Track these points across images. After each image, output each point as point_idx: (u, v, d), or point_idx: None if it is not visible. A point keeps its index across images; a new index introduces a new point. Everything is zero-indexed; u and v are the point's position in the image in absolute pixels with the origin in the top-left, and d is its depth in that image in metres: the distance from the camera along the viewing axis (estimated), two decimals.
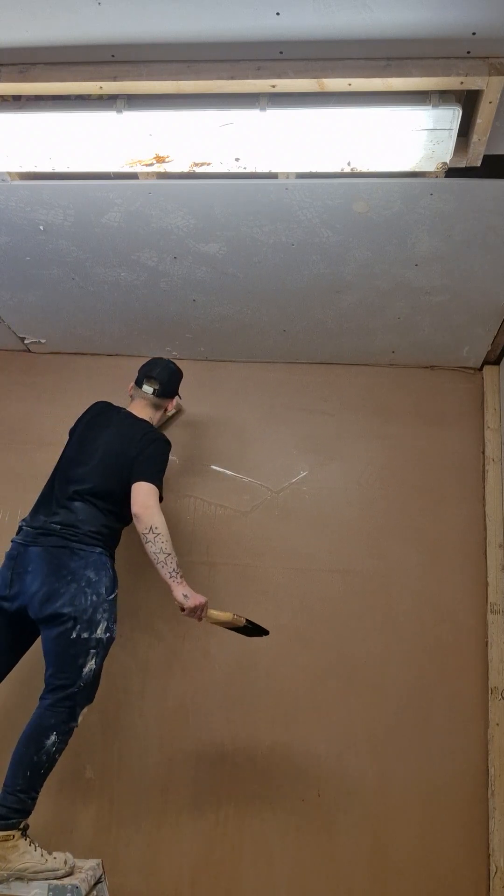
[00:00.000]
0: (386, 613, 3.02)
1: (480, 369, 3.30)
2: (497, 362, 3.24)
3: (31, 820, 2.26)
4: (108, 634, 2.39)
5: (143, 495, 2.47)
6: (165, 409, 2.89)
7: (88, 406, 2.86)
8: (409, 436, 3.23)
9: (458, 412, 3.26)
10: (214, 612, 2.53)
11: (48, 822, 2.82)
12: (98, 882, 2.33)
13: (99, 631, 2.36)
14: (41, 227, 2.52)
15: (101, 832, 2.84)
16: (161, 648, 3.02)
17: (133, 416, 2.77)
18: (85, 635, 2.33)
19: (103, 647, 2.38)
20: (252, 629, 2.63)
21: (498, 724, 2.84)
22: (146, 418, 2.78)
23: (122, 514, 2.55)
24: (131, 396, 2.87)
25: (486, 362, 3.27)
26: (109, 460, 2.58)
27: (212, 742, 2.92)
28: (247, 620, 2.60)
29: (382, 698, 2.93)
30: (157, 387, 2.82)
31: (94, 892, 2.30)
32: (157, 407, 2.84)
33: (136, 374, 2.90)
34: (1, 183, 2.31)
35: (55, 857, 2.23)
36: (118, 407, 2.84)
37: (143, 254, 2.63)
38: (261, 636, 2.68)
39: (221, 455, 3.26)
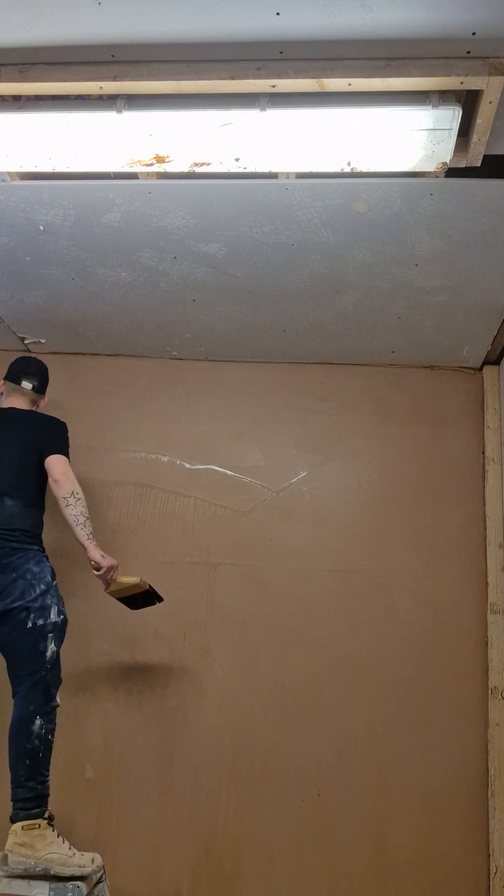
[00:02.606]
0: (386, 613, 3.02)
1: (480, 369, 3.30)
2: (497, 362, 3.24)
3: None
4: (61, 617, 2.47)
5: (61, 464, 2.64)
6: (38, 406, 2.91)
7: None
8: (409, 436, 3.23)
9: (458, 412, 3.26)
10: (123, 577, 2.69)
11: None
12: (98, 882, 2.33)
13: (52, 615, 2.44)
14: (41, 227, 2.52)
15: (101, 832, 2.84)
16: (161, 648, 3.02)
17: (23, 410, 2.82)
18: (40, 622, 2.40)
19: (59, 629, 2.46)
20: (150, 595, 2.76)
21: (498, 724, 2.84)
22: (28, 409, 2.85)
23: (41, 501, 2.69)
24: (3, 393, 2.89)
25: (486, 362, 3.26)
26: (23, 455, 2.65)
27: (212, 742, 2.92)
28: (150, 586, 2.73)
29: (382, 698, 2.93)
30: (35, 383, 2.88)
31: (95, 892, 2.30)
32: (34, 402, 2.89)
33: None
34: (1, 183, 2.31)
35: (83, 855, 2.24)
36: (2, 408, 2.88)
37: (143, 254, 2.63)
38: (154, 605, 2.80)
39: (221, 455, 3.27)
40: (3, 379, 2.91)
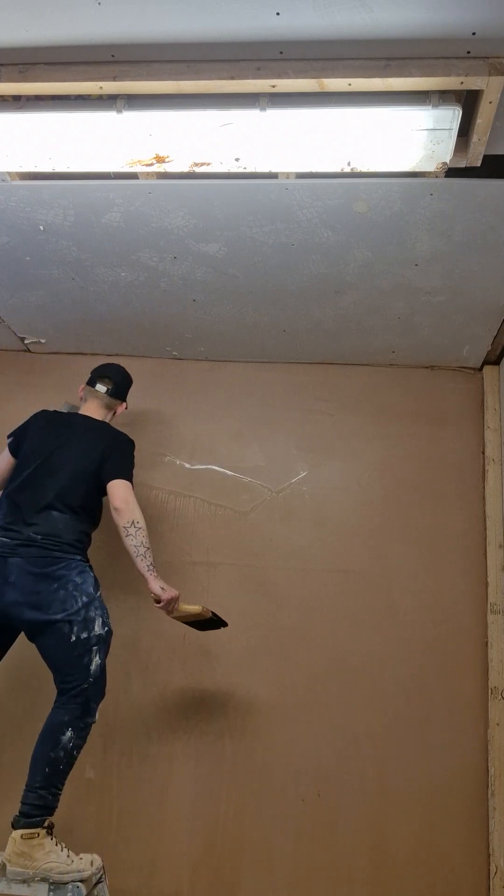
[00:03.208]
0: (386, 613, 3.02)
1: (480, 369, 3.30)
2: (497, 362, 3.24)
3: None
4: (105, 629, 2.43)
5: (122, 491, 2.55)
6: (115, 412, 2.87)
7: (31, 416, 2.82)
8: (409, 436, 3.23)
9: (458, 412, 3.26)
10: (186, 606, 2.62)
11: None
12: (98, 882, 2.33)
13: (96, 628, 2.40)
14: (41, 227, 2.52)
15: (101, 832, 2.84)
16: (161, 648, 3.02)
17: (91, 419, 2.77)
18: (84, 635, 2.36)
19: (104, 642, 2.42)
20: (215, 621, 2.73)
21: (498, 724, 2.84)
22: (100, 419, 2.79)
23: (94, 518, 2.64)
24: (82, 398, 2.87)
25: (486, 362, 3.27)
26: (80, 467, 2.59)
27: (212, 742, 2.92)
28: (212, 612, 2.69)
29: (382, 698, 2.93)
30: (110, 386, 2.83)
31: (95, 892, 2.30)
32: (109, 408, 2.83)
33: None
34: (1, 183, 2.31)
35: (81, 859, 2.24)
36: (69, 413, 2.85)
37: (143, 254, 2.63)
38: (219, 629, 2.78)
39: (221, 455, 3.27)
40: (85, 384, 2.87)
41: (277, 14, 1.72)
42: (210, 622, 2.74)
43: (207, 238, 2.51)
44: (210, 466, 3.25)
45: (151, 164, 2.09)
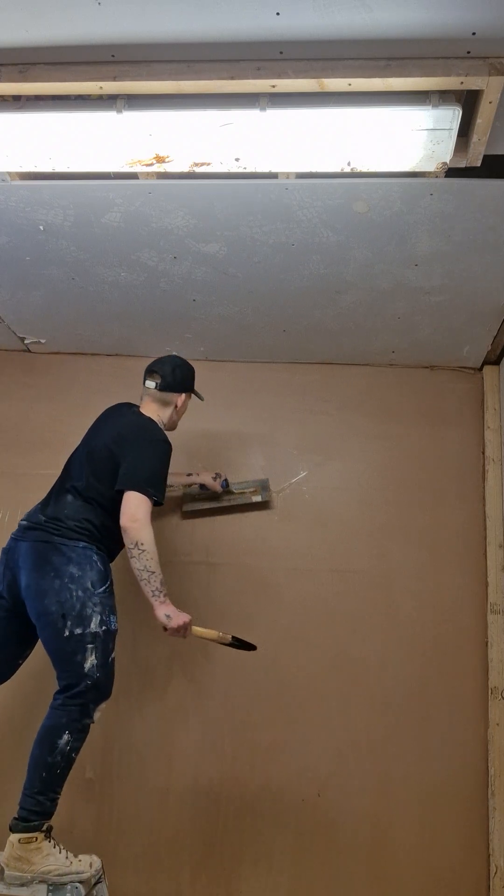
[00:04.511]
0: (386, 613, 3.02)
1: (480, 369, 3.30)
2: (497, 362, 3.24)
3: None
4: (104, 627, 2.32)
5: (132, 507, 2.34)
6: (176, 406, 2.70)
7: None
8: (409, 436, 3.23)
9: (458, 412, 3.26)
10: (199, 630, 2.48)
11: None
12: (98, 882, 2.33)
13: (93, 625, 2.29)
14: (41, 227, 2.52)
15: (101, 832, 2.84)
16: (161, 648, 3.02)
17: (137, 413, 2.65)
18: (78, 631, 2.28)
19: (101, 640, 2.31)
20: (239, 645, 2.58)
21: (498, 724, 2.84)
22: (152, 415, 2.63)
23: (113, 511, 2.41)
24: (142, 397, 2.74)
25: (486, 362, 3.27)
26: (98, 455, 2.51)
27: (212, 742, 2.92)
28: (233, 637, 2.56)
29: (382, 698, 2.93)
30: (158, 380, 2.65)
31: (94, 892, 2.30)
32: (162, 402, 2.67)
33: (140, 375, 2.79)
34: (1, 183, 2.31)
35: (80, 860, 2.21)
36: (132, 404, 2.73)
37: (143, 254, 2.63)
38: (248, 650, 2.63)
39: (221, 455, 3.26)
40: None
41: (277, 14, 1.72)
42: (235, 646, 2.58)
43: (207, 238, 2.51)
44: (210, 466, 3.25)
45: (151, 164, 2.09)
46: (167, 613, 2.36)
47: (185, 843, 2.83)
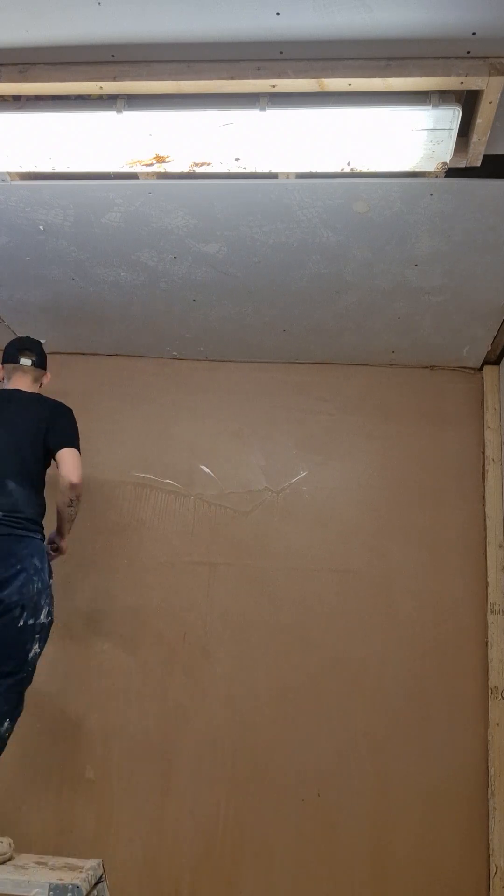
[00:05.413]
0: (386, 613, 3.02)
1: (480, 369, 3.30)
2: (497, 362, 3.24)
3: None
4: (49, 619, 2.42)
5: (77, 463, 2.55)
6: (41, 384, 2.79)
7: None
8: (410, 436, 3.23)
9: (458, 412, 3.26)
10: None
11: (49, 822, 2.82)
12: (98, 882, 2.33)
13: (42, 616, 2.38)
14: (41, 227, 2.52)
15: (101, 832, 2.84)
16: (161, 648, 3.02)
17: (29, 392, 2.70)
18: (31, 622, 2.35)
19: (46, 631, 2.41)
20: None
21: (498, 724, 2.84)
22: (37, 391, 2.74)
23: (43, 487, 2.60)
24: (2, 378, 2.76)
25: (486, 362, 3.26)
26: (28, 441, 2.56)
27: (212, 742, 2.92)
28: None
29: (382, 698, 2.93)
30: (34, 357, 2.75)
31: (95, 892, 2.30)
32: (37, 380, 2.76)
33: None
34: (1, 183, 2.31)
35: (1, 842, 2.20)
36: (14, 390, 2.73)
37: (143, 254, 2.63)
38: None
39: (221, 455, 3.26)
40: (1, 364, 2.77)
41: (277, 14, 1.72)
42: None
43: (207, 238, 2.51)
44: (210, 466, 3.25)
45: (151, 164, 2.09)
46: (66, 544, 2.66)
47: (185, 843, 2.83)
